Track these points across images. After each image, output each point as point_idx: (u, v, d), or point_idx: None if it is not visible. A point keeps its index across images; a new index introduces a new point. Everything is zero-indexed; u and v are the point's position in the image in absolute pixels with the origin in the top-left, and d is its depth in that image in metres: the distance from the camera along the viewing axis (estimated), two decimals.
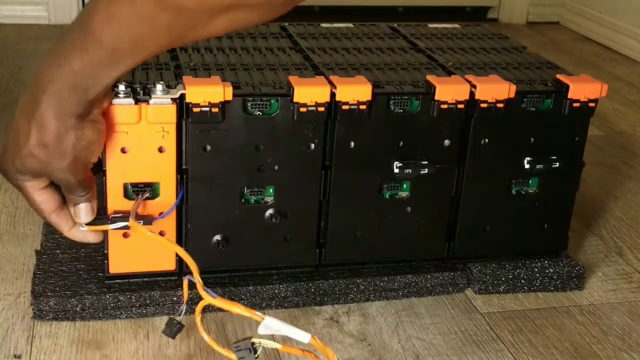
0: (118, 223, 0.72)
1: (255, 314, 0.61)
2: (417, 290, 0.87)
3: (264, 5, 0.56)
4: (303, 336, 0.61)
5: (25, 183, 0.66)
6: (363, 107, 0.77)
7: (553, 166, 0.85)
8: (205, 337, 0.65)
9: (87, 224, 0.70)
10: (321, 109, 0.76)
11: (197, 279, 0.64)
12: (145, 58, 0.61)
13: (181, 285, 0.80)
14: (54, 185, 0.68)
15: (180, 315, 0.69)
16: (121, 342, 0.77)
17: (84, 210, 0.69)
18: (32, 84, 0.62)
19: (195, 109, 0.73)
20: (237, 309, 0.62)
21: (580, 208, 1.06)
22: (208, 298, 0.63)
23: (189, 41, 0.61)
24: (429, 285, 0.87)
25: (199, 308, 0.64)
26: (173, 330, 0.69)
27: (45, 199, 0.67)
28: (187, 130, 0.75)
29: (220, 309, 0.63)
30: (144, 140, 0.74)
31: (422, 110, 0.80)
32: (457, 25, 1.07)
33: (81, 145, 0.63)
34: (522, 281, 0.89)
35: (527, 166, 0.85)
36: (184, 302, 0.68)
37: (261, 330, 0.62)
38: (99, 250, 0.82)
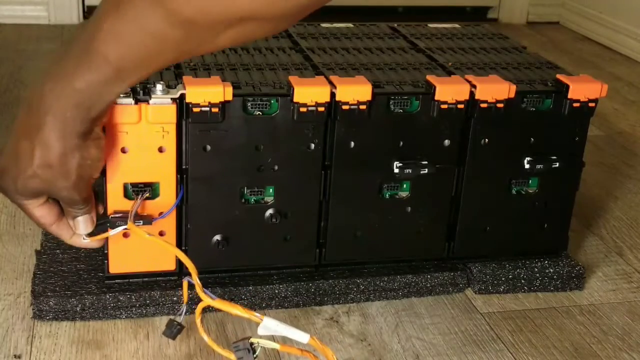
0: (117, 228, 0.72)
1: (254, 315, 0.61)
2: (417, 290, 0.87)
3: (273, 19, 0.55)
4: (302, 336, 0.61)
5: (25, 202, 0.66)
6: (363, 107, 0.77)
7: (553, 166, 0.85)
8: (205, 337, 0.65)
9: (88, 235, 0.71)
10: (321, 109, 0.76)
11: (196, 280, 0.64)
12: (150, 74, 0.60)
13: (181, 286, 0.80)
14: (52, 199, 0.68)
15: (180, 316, 0.69)
16: (121, 342, 0.77)
17: (83, 223, 0.70)
18: (31, 103, 0.61)
19: (195, 109, 0.73)
20: (236, 310, 0.62)
21: (580, 208, 1.06)
22: (207, 299, 0.63)
23: (195, 55, 0.61)
24: (429, 285, 0.87)
25: (198, 309, 0.64)
26: (173, 331, 0.69)
27: (44, 213, 0.68)
28: (187, 130, 0.75)
29: (220, 309, 0.63)
30: (144, 140, 0.74)
31: (422, 110, 0.80)
32: (457, 25, 1.07)
33: (86, 163, 0.63)
34: (522, 281, 0.89)
35: (527, 166, 0.85)
36: (184, 303, 0.68)
37: (260, 330, 0.62)
38: (99, 250, 0.82)
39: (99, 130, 0.65)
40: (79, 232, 0.70)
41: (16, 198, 0.66)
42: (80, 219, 0.69)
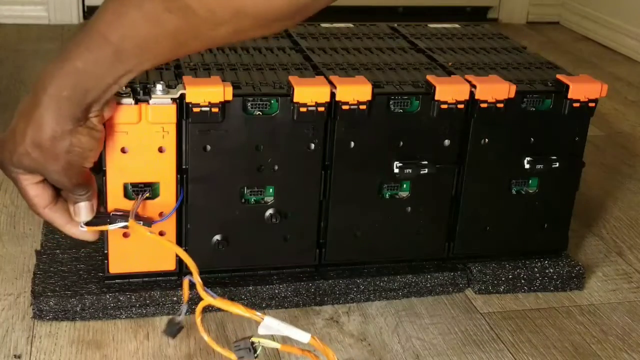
0: (117, 223, 0.72)
1: (255, 314, 0.61)
2: (417, 290, 0.87)
3: (269, 17, 0.56)
4: (303, 336, 0.61)
5: (20, 176, 0.66)
6: (363, 107, 0.77)
7: (553, 166, 0.85)
8: (205, 337, 0.65)
9: (86, 224, 0.70)
10: (321, 109, 0.76)
11: (197, 279, 0.64)
12: (148, 65, 0.60)
13: (181, 285, 0.80)
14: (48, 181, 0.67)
15: (180, 315, 0.69)
16: (121, 342, 0.77)
17: (83, 210, 0.69)
18: (34, 82, 0.62)
19: (195, 109, 0.73)
20: (237, 309, 0.62)
21: (580, 208, 1.06)
22: (208, 298, 0.63)
23: (193, 50, 0.61)
24: (429, 285, 0.87)
25: (199, 308, 0.64)
26: (174, 330, 0.69)
27: (39, 193, 0.67)
28: (187, 130, 0.75)
29: (220, 309, 0.63)
30: (144, 140, 0.74)
31: (422, 110, 0.80)
32: (457, 25, 1.07)
33: (75, 151, 0.63)
34: (522, 281, 0.89)
35: (527, 166, 0.85)
36: (185, 302, 0.68)
37: (261, 330, 0.62)
38: (99, 250, 0.82)
39: (97, 121, 0.64)
40: (77, 219, 0.69)
41: (12, 171, 0.65)
42: (81, 205, 0.69)
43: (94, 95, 0.61)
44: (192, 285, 0.66)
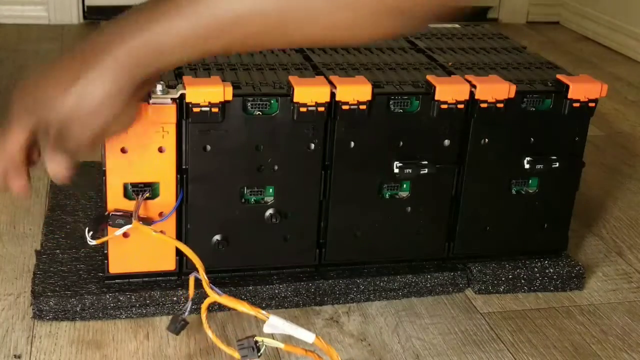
0: (122, 228, 0.72)
1: (261, 313, 0.61)
2: (417, 290, 0.87)
3: (414, 11, 0.50)
4: (308, 336, 0.61)
5: (20, 129, 0.59)
6: (363, 107, 0.77)
7: (553, 166, 0.85)
8: (210, 334, 0.65)
9: (94, 238, 0.71)
10: (321, 109, 0.76)
11: (203, 276, 0.64)
12: (218, 51, 0.55)
13: (181, 285, 0.80)
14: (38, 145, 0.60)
15: (184, 312, 0.69)
16: (121, 342, 0.77)
17: (57, 164, 0.60)
18: (90, 41, 0.56)
19: (195, 109, 0.73)
20: (242, 307, 0.62)
21: (580, 208, 1.05)
22: (214, 295, 0.63)
23: (280, 44, 0.55)
24: (429, 285, 0.87)
25: (204, 305, 0.64)
26: (177, 327, 0.69)
27: (20, 147, 0.60)
28: (187, 130, 0.75)
29: (221, 309, 0.63)
30: (144, 140, 0.74)
31: (422, 110, 0.80)
32: (457, 25, 1.07)
33: (110, 125, 0.58)
34: (522, 281, 0.89)
35: (527, 166, 0.85)
36: (190, 298, 0.68)
37: (266, 329, 0.62)
38: (99, 250, 0.82)
39: (138, 99, 0.60)
40: (50, 169, 0.61)
41: (20, 117, 0.59)
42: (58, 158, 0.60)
43: (158, 66, 0.56)
44: (197, 283, 0.66)
